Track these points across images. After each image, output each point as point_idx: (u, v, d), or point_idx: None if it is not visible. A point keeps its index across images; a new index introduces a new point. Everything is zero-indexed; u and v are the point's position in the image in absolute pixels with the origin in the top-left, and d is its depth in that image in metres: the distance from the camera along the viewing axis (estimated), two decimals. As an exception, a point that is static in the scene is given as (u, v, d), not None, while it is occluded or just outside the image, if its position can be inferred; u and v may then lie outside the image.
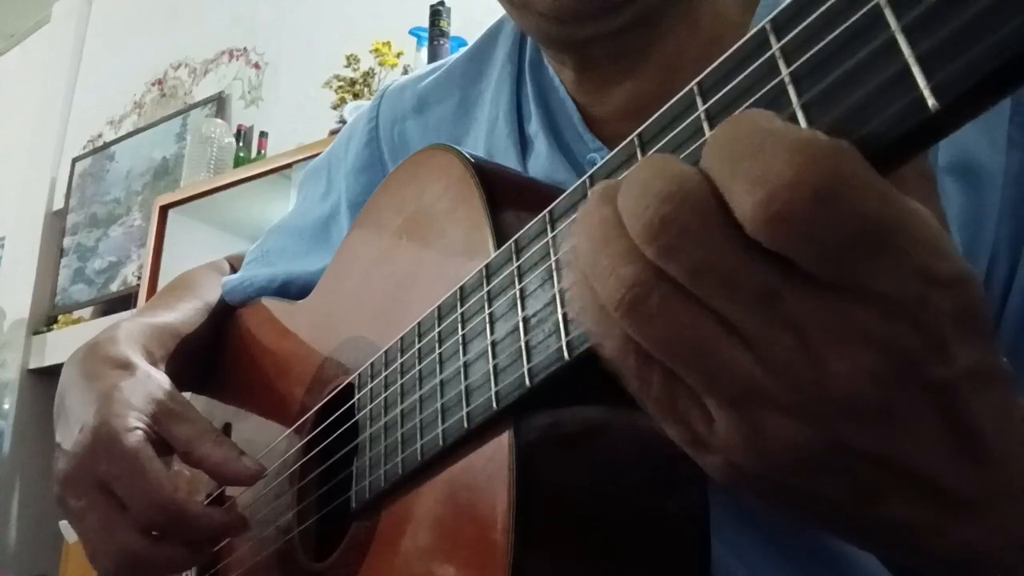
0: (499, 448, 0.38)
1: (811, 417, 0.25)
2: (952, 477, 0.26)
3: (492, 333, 0.37)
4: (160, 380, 0.59)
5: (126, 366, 0.60)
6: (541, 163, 0.58)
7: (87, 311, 3.15)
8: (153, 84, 3.42)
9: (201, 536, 0.54)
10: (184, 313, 0.73)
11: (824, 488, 0.26)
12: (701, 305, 0.25)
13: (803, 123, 0.23)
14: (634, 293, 0.25)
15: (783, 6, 0.24)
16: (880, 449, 0.25)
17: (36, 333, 3.21)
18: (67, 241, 3.37)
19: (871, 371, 0.24)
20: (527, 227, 0.36)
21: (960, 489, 0.26)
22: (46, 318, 3.26)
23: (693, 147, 0.27)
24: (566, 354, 0.32)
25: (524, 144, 0.60)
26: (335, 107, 2.37)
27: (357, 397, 0.50)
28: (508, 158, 0.60)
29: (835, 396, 0.24)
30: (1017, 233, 0.44)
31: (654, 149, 0.29)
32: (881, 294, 0.23)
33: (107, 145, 3.43)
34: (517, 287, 0.36)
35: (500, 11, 0.62)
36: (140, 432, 0.54)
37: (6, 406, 3.14)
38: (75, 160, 3.52)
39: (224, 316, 0.78)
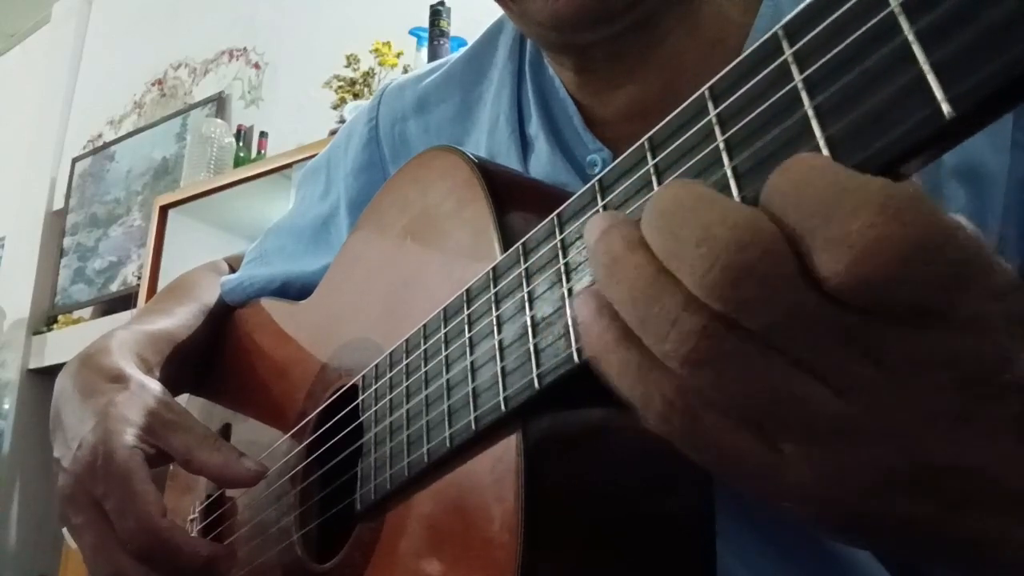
0: (507, 450, 0.38)
1: (894, 439, 0.25)
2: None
3: (500, 335, 0.37)
4: (155, 390, 0.59)
5: (120, 378, 0.59)
6: (542, 164, 0.57)
7: (87, 311, 3.15)
8: (153, 84, 3.42)
9: (185, 566, 0.53)
10: (180, 317, 0.73)
11: (913, 507, 0.26)
12: (775, 351, 0.24)
13: (816, 129, 0.23)
14: (703, 346, 0.24)
15: (796, 12, 0.24)
16: (962, 460, 0.25)
17: (36, 333, 3.21)
18: (67, 241, 3.36)
19: (945, 387, 0.24)
20: (535, 230, 0.36)
21: None
22: (46, 318, 3.25)
23: (704, 152, 0.27)
24: (576, 357, 0.32)
25: (525, 145, 0.60)
26: (335, 107, 2.37)
27: (362, 398, 0.50)
28: (509, 159, 0.59)
29: (916, 417, 0.24)
30: (1022, 235, 0.44)
31: (664, 153, 0.29)
32: (957, 319, 0.23)
33: (107, 145, 3.43)
34: (525, 289, 0.36)
35: (500, 11, 0.62)
36: (136, 451, 0.54)
37: (6, 406, 3.14)
38: (75, 160, 3.51)
39: (223, 317, 0.78)
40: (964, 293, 0.23)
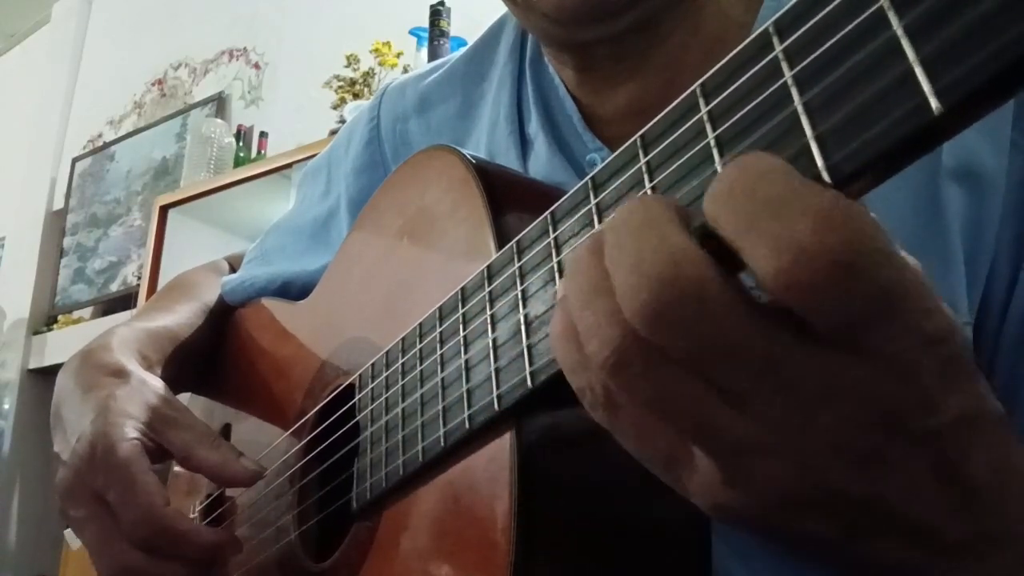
0: (501, 449, 0.38)
1: (797, 461, 0.25)
2: (944, 520, 0.26)
3: (494, 334, 0.37)
4: (155, 386, 0.59)
5: (121, 373, 0.59)
6: (541, 163, 0.57)
7: (87, 311, 3.15)
8: (153, 84, 3.42)
9: (190, 553, 0.53)
10: (181, 315, 0.73)
11: (812, 526, 0.27)
12: (688, 373, 0.25)
13: (806, 126, 0.23)
14: (618, 357, 0.25)
15: (786, 8, 0.24)
16: (868, 491, 0.26)
17: (36, 333, 3.21)
18: (67, 241, 3.37)
19: (859, 422, 0.24)
20: (529, 228, 0.36)
21: (953, 532, 0.26)
22: (46, 318, 3.26)
23: (695, 149, 0.27)
24: None
25: (524, 144, 0.60)
26: (335, 107, 2.37)
27: (358, 398, 0.50)
28: (509, 158, 0.59)
29: (823, 444, 0.25)
30: (1019, 237, 0.44)
31: (656, 151, 0.29)
32: (878, 354, 0.24)
33: (107, 145, 3.43)
34: (519, 288, 0.36)
35: (500, 11, 0.61)
36: (136, 442, 0.54)
37: (6, 406, 3.14)
38: (75, 160, 3.52)
39: (223, 317, 0.78)
40: (888, 324, 0.23)
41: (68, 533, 0.58)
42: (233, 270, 0.83)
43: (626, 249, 0.25)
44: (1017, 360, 0.43)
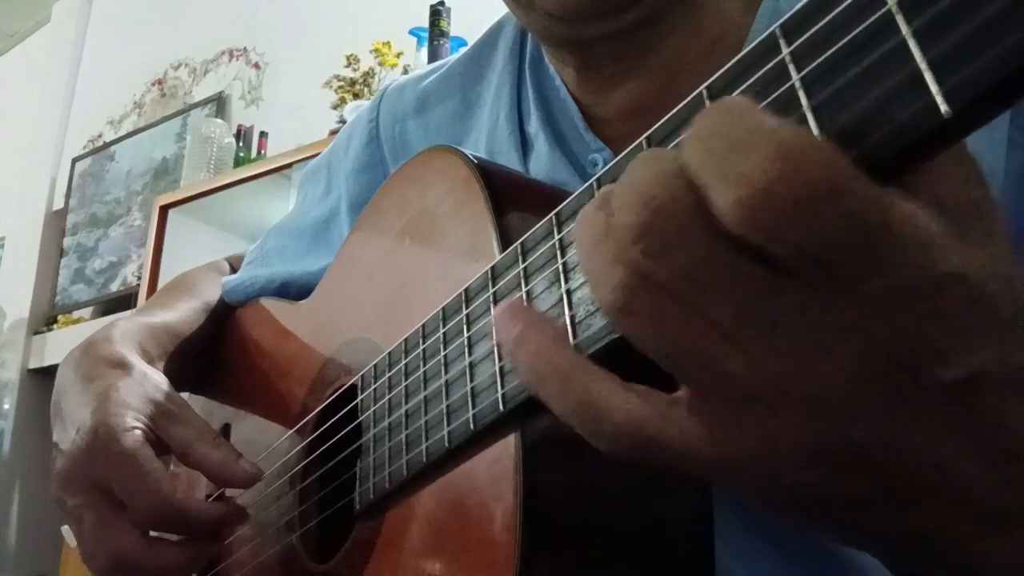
0: (505, 450, 0.38)
1: (812, 415, 0.24)
2: (986, 487, 0.25)
3: None
4: (157, 380, 0.59)
5: (122, 365, 0.59)
6: (542, 163, 0.57)
7: (87, 311, 3.15)
8: (153, 84, 3.42)
9: (201, 531, 0.54)
10: (182, 312, 0.73)
11: (828, 486, 0.25)
12: (690, 308, 0.24)
13: (814, 127, 0.23)
14: (623, 297, 0.25)
15: (793, 11, 0.24)
16: (895, 450, 0.24)
17: (36, 333, 3.21)
18: (67, 241, 3.36)
19: (865, 370, 0.23)
20: (533, 229, 0.36)
21: (999, 501, 0.25)
22: (46, 318, 3.25)
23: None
24: None
25: (524, 144, 0.60)
26: (335, 107, 2.37)
27: (360, 398, 0.50)
28: (509, 159, 0.59)
29: (831, 392, 0.24)
30: (1016, 234, 0.44)
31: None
32: (864, 293, 0.22)
33: (107, 145, 3.43)
34: (523, 289, 0.35)
35: (500, 11, 0.61)
36: (138, 432, 0.54)
37: (6, 406, 3.14)
38: (75, 160, 3.51)
39: (223, 316, 0.78)
40: (866, 259, 0.22)
41: (65, 530, 0.58)
42: (234, 270, 0.83)
43: (624, 181, 0.25)
44: None
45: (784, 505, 0.27)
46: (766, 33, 0.25)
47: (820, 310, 0.23)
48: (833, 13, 0.23)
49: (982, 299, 0.23)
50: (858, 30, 0.22)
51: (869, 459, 0.25)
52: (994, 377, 0.24)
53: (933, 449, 0.24)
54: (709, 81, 0.27)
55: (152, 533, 0.54)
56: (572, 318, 0.32)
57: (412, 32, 2.26)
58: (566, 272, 0.33)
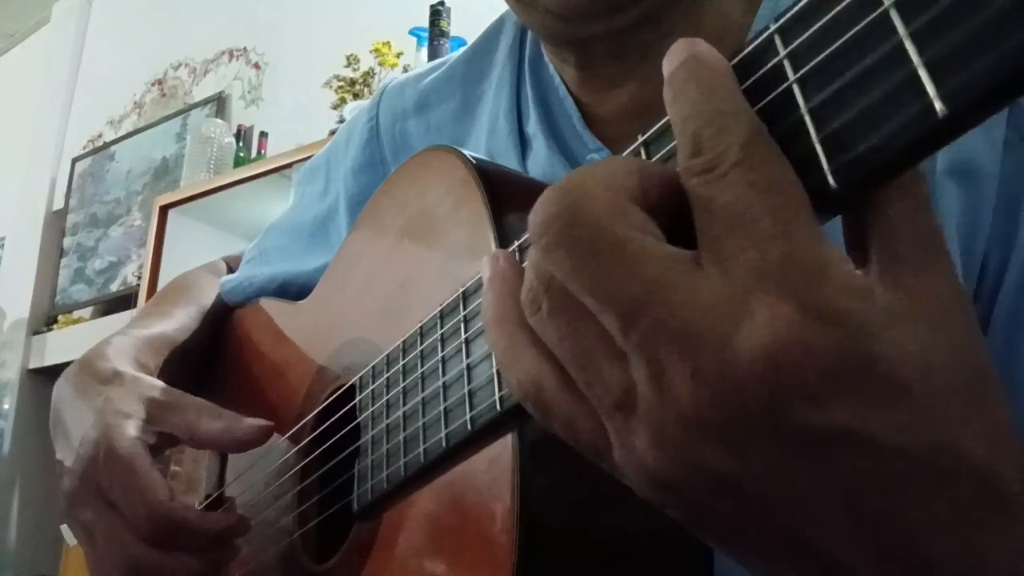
0: (503, 450, 0.38)
1: (666, 434, 0.24)
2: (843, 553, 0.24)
3: None
4: (149, 381, 0.60)
5: (114, 378, 0.60)
6: (540, 163, 0.57)
7: (87, 311, 3.15)
8: (153, 84, 3.42)
9: (201, 542, 0.53)
10: (178, 320, 0.73)
11: (726, 506, 0.25)
12: (581, 312, 0.25)
13: (811, 129, 0.23)
14: (532, 295, 0.27)
15: (790, 12, 0.24)
16: (739, 481, 0.24)
17: (36, 333, 3.21)
18: (67, 241, 3.37)
19: (694, 396, 0.23)
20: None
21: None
22: (46, 318, 3.26)
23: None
24: None
25: (524, 144, 0.60)
26: (335, 107, 2.37)
27: (359, 399, 0.50)
28: (508, 158, 0.59)
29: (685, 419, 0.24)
30: (1008, 232, 0.44)
31: (659, 155, 0.29)
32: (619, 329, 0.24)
33: (107, 145, 3.43)
34: (521, 290, 0.35)
35: (500, 11, 0.61)
36: (136, 441, 0.54)
37: (6, 406, 3.14)
38: (75, 160, 3.52)
39: (222, 317, 0.78)
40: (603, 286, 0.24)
41: (65, 529, 0.58)
42: (231, 270, 0.83)
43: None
44: (1005, 354, 0.43)
45: (682, 518, 0.28)
46: (764, 35, 0.25)
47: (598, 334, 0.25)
48: (830, 13, 0.23)
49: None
50: (855, 30, 0.22)
51: (727, 488, 0.25)
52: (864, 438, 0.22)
53: (793, 502, 0.24)
54: None
55: None
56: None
57: (412, 32, 2.26)
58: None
